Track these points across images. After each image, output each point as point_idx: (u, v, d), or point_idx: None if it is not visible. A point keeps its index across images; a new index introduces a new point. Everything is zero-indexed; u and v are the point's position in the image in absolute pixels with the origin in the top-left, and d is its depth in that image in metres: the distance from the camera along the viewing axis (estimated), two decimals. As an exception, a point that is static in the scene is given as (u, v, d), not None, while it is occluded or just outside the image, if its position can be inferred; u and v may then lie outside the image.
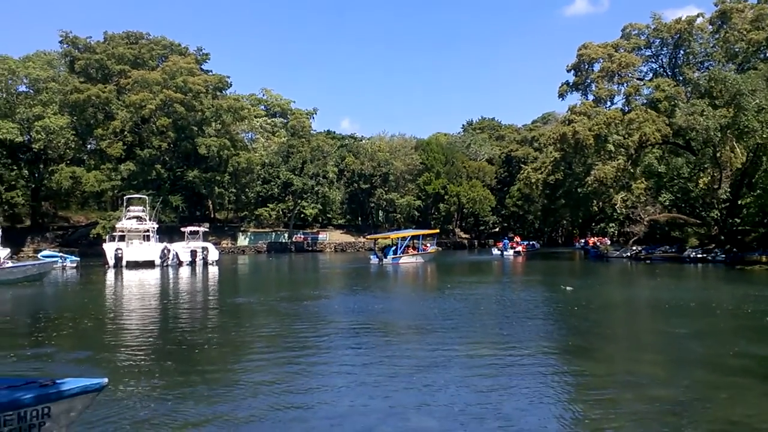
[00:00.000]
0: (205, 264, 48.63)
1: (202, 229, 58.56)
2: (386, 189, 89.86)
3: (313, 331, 15.77)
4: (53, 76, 72.92)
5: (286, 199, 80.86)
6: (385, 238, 54.32)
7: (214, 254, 50.82)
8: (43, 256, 41.59)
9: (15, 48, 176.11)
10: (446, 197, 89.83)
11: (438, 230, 70.92)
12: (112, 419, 8.00)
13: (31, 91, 72.86)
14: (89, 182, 66.96)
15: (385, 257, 48.64)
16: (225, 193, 75.88)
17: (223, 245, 73.87)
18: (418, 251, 51.73)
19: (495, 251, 64.46)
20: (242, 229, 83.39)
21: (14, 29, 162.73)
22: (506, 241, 65.81)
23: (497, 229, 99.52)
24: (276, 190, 79.99)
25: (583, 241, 62.52)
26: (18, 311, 22.29)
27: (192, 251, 49.60)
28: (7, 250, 48.67)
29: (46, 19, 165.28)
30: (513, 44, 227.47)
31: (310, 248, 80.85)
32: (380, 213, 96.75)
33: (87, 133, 70.80)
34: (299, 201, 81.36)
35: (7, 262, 33.16)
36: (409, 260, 48.87)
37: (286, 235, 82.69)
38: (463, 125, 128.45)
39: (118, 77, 72.22)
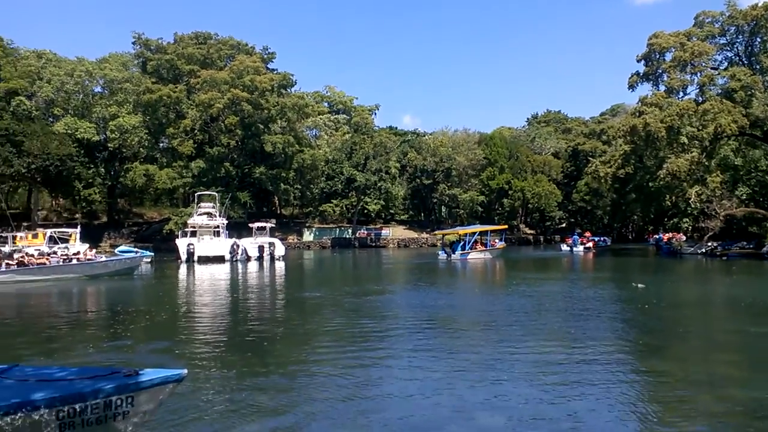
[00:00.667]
0: (272, 259, 49.71)
1: (269, 225, 59.86)
2: (449, 184, 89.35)
3: (382, 326, 15.94)
4: (128, 77, 76.10)
5: (350, 195, 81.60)
6: (453, 234, 54.07)
7: (280, 249, 51.88)
8: (120, 252, 43.59)
9: (91, 50, 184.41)
10: (510, 192, 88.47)
11: (506, 226, 70.05)
12: (189, 409, 8.33)
13: (107, 92, 76.33)
14: (162, 179, 69.54)
15: (453, 253, 48.53)
16: (290, 190, 77.29)
17: (289, 241, 75.30)
18: (486, 247, 51.44)
19: (564, 247, 63.49)
20: (307, 224, 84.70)
21: (91, 32, 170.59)
22: (576, 236, 64.75)
23: (563, 225, 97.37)
24: (339, 186, 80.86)
25: (657, 236, 60.17)
26: (108, 303, 23.41)
27: (259, 246, 50.80)
28: (86, 246, 51.30)
29: (120, 21, 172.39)
30: (580, 35, 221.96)
31: (373, 244, 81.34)
32: (443, 209, 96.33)
33: (159, 132, 73.49)
34: (362, 197, 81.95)
35: (102, 257, 35.21)
36: (477, 256, 48.77)
37: (350, 230, 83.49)
38: (527, 119, 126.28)
39: (188, 77, 74.61)
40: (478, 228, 55.69)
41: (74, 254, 35.29)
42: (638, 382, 10.20)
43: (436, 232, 67.98)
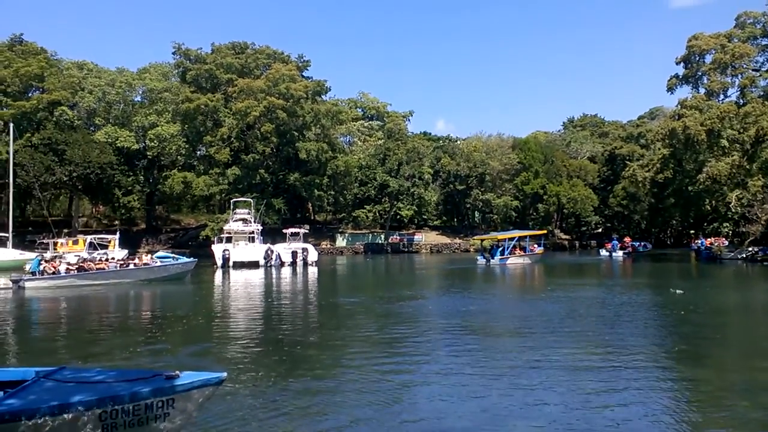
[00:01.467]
0: (305, 264, 50.06)
1: (302, 231, 60.32)
2: (482, 189, 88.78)
3: (420, 331, 15.96)
4: (167, 86, 77.72)
5: (383, 200, 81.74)
6: (492, 239, 53.92)
7: (313, 255, 52.24)
8: (158, 257, 44.38)
9: (130, 60, 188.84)
10: (545, 197, 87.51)
11: (545, 231, 69.42)
12: (230, 411, 8.48)
13: (146, 101, 78.06)
14: (199, 187, 70.72)
15: (492, 258, 48.52)
16: (324, 196, 77.80)
17: (322, 246, 75.76)
18: (525, 252, 51.44)
19: (603, 252, 62.72)
20: (340, 230, 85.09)
21: (129, 43, 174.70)
22: (615, 241, 63.62)
23: (600, 230, 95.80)
24: (372, 191, 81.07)
25: (700, 241, 58.74)
26: (159, 307, 23.94)
27: (293, 252, 51.21)
28: (125, 252, 52.46)
29: (158, 32, 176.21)
30: (617, 38, 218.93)
31: (406, 249, 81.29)
32: (476, 214, 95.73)
33: (197, 140, 74.78)
34: (395, 202, 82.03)
35: (157, 261, 36.24)
36: (516, 261, 48.80)
37: (383, 236, 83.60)
38: (563, 122, 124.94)
39: (226, 86, 75.78)
40: (517, 233, 55.42)
41: (131, 259, 36.72)
42: (676, 389, 10.05)
43: (475, 237, 67.93)
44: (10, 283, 29.43)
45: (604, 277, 37.71)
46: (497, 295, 27.39)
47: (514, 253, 49.99)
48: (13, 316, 21.47)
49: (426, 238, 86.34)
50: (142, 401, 5.98)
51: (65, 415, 5.65)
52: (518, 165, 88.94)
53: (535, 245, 54.68)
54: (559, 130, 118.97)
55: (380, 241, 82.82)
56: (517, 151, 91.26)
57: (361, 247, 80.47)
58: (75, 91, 71.28)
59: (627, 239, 69.82)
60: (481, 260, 49.08)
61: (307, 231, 64.99)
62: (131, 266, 34.07)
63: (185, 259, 38.90)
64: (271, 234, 60.21)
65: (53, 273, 30.60)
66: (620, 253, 60.54)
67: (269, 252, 49.07)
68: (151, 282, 32.50)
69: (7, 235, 51.16)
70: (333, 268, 50.51)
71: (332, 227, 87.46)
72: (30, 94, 71.43)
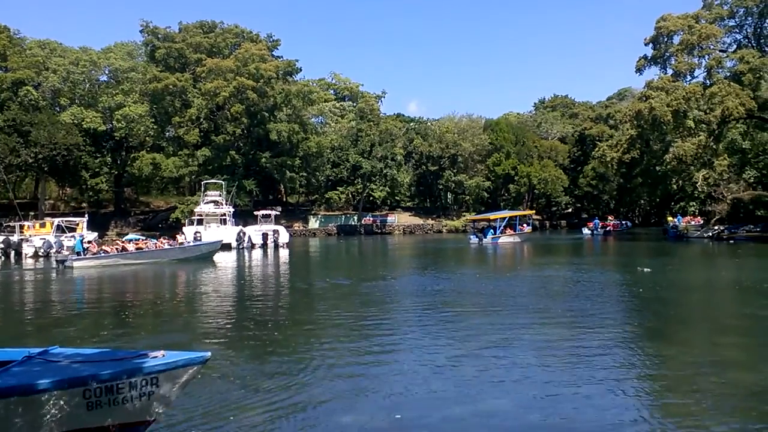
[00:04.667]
0: (276, 246, 49.91)
1: (273, 213, 60.03)
2: (455, 171, 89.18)
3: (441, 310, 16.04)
4: (133, 66, 76.09)
5: (355, 182, 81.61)
6: (484, 219, 56.92)
7: (284, 237, 52.08)
8: (128, 239, 43.83)
9: (96, 39, 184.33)
10: (516, 178, 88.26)
11: (533, 211, 72.77)
12: (206, 391, 8.44)
13: (113, 81, 76.35)
14: (168, 168, 69.70)
15: (485, 237, 50.64)
16: (296, 177, 77.30)
17: (295, 228, 75.51)
18: (515, 231, 53.82)
19: (585, 231, 66.92)
20: (313, 212, 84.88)
21: (94, 20, 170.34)
22: (597, 220, 69.25)
23: (570, 210, 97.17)
24: (345, 173, 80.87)
25: (676, 219, 60.42)
26: (169, 287, 23.71)
27: (263, 234, 51.00)
28: (95, 234, 51.56)
29: (123, 10, 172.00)
30: (587, 18, 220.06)
31: (379, 231, 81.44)
32: (449, 195, 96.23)
33: (165, 121, 73.54)
34: (368, 184, 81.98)
35: (191, 242, 39.80)
36: (507, 240, 51.14)
37: (356, 217, 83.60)
38: (534, 104, 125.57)
39: (195, 66, 74.52)
40: (508, 213, 58.48)
41: (168, 240, 40.13)
42: (644, 365, 10.26)
43: (467, 217, 71.52)
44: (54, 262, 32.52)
45: (585, 255, 39.49)
46: (494, 272, 27.33)
47: (505, 233, 52.25)
48: (58, 294, 22.98)
49: (399, 219, 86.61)
50: (126, 380, 6.04)
51: (48, 394, 5.72)
52: (490, 146, 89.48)
53: (524, 225, 57.53)
54: (530, 111, 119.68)
55: (353, 223, 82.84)
56: (489, 132, 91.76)
57: (334, 228, 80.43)
58: (39, 71, 69.35)
59: (611, 218, 73.42)
60: (474, 240, 51.44)
61: (279, 213, 64.72)
62: (166, 246, 37.11)
63: (212, 240, 41.63)
64: (243, 216, 59.78)
65: (95, 253, 33.24)
66: (601, 231, 65.49)
67: (242, 234, 48.75)
68: (185, 261, 35.01)
69: (-30, 218, 49.95)
70: (305, 250, 50.39)
71: (305, 209, 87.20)
72: (-8, 74, 69.37)
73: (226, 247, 46.90)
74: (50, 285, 25.87)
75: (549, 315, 15.16)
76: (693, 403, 8.11)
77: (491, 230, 51.92)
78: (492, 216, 56.29)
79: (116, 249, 34.66)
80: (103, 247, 35.64)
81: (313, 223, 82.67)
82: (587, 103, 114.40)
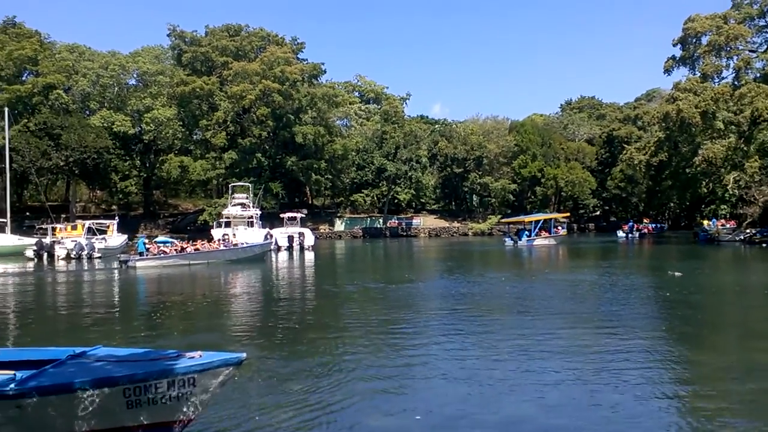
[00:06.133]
0: (302, 249, 50.18)
1: (299, 215, 60.37)
2: (480, 173, 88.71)
3: (476, 314, 16.07)
4: (161, 69, 77.26)
5: (380, 184, 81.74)
6: (518, 222, 57.23)
7: (310, 239, 52.30)
8: (158, 242, 44.51)
9: (124, 43, 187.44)
10: (543, 180, 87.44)
11: (568, 214, 72.28)
12: (239, 392, 8.54)
13: (141, 85, 77.61)
14: (196, 171, 70.62)
15: (520, 239, 50.84)
16: (321, 180, 77.77)
17: (321, 230, 75.87)
18: (549, 233, 53.83)
19: (620, 233, 66.14)
20: (338, 214, 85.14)
21: (122, 25, 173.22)
22: (631, 223, 68.25)
23: (598, 213, 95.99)
24: (370, 175, 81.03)
25: (711, 222, 59.35)
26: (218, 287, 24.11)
27: (289, 236, 51.27)
28: (124, 237, 52.41)
29: (151, 14, 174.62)
30: (615, 18, 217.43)
31: (405, 233, 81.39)
32: (474, 197, 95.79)
33: (193, 124, 74.53)
34: (393, 186, 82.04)
35: (244, 243, 40.55)
36: (542, 242, 51.24)
37: (381, 220, 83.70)
38: (561, 105, 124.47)
39: (221, 69, 75.38)
40: (543, 216, 58.71)
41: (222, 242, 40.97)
42: (676, 370, 10.09)
43: (503, 220, 71.15)
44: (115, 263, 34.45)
45: (620, 258, 39.13)
46: (530, 275, 27.05)
47: (540, 235, 52.45)
48: (120, 293, 24.24)
49: (424, 221, 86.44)
50: (164, 380, 6.18)
51: (88, 392, 5.90)
52: (515, 148, 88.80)
53: (559, 227, 57.73)
54: (556, 113, 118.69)
55: (378, 225, 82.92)
56: (514, 133, 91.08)
57: (360, 231, 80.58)
58: (69, 75, 70.81)
59: (646, 221, 74.31)
60: (508, 242, 51.77)
61: (304, 215, 65.05)
62: (222, 247, 38.09)
63: (264, 241, 42.95)
64: (270, 219, 60.23)
65: (156, 254, 34.75)
66: (636, 234, 64.64)
67: (268, 236, 49.10)
68: (238, 261, 35.80)
69: (5, 220, 51.13)
70: (331, 253, 50.59)
71: (330, 211, 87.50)
72: (24, 78, 71.05)
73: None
74: (113, 284, 27.17)
75: (582, 318, 15.03)
76: (726, 410, 7.95)
77: (526, 233, 52.07)
78: (526, 219, 56.57)
79: (175, 250, 36.13)
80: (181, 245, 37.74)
81: (339, 226, 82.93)
82: (615, 104, 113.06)
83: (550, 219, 57.02)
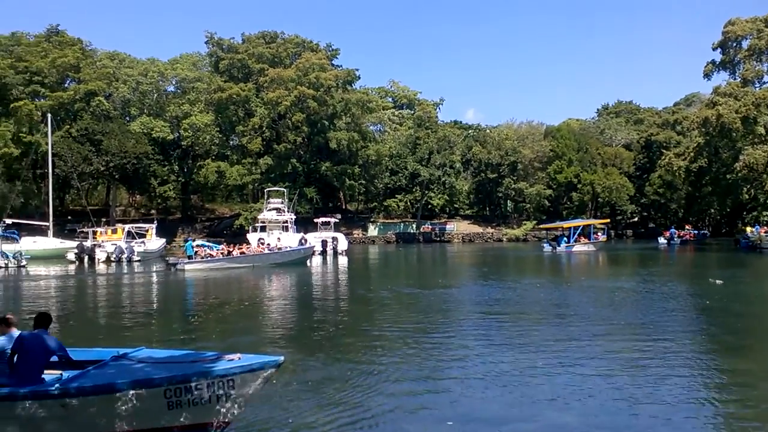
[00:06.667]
0: (335, 253, 50.50)
1: (333, 220, 60.79)
2: (514, 178, 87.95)
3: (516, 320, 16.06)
4: (198, 76, 78.73)
5: (414, 189, 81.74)
6: (557, 227, 57.22)
7: (343, 244, 52.63)
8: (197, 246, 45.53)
9: (162, 50, 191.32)
10: (579, 186, 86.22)
11: (608, 220, 71.30)
12: (276, 395, 8.68)
13: (179, 91, 79.18)
14: (232, 176, 71.67)
15: (558, 245, 50.60)
16: (355, 185, 78.13)
17: (354, 235, 76.19)
18: (589, 240, 53.51)
19: (661, 240, 64.73)
20: (372, 219, 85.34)
21: (161, 33, 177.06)
22: (673, 229, 66.93)
23: (636, 219, 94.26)
24: (404, 181, 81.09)
25: (754, 229, 57.94)
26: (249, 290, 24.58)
27: (323, 241, 51.67)
28: (163, 240, 53.49)
29: (189, 22, 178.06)
30: (652, 21, 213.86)
31: (438, 239, 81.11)
32: (508, 203, 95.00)
33: (229, 130, 75.72)
34: (426, 191, 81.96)
35: (288, 247, 41.59)
36: (581, 248, 50.85)
37: (414, 225, 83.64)
38: (597, 109, 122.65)
39: (257, 75, 76.44)
40: (582, 222, 58.23)
41: (266, 245, 42.28)
42: (718, 381, 9.89)
43: (541, 226, 70.92)
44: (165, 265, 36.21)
45: (661, 265, 38.39)
46: (569, 281, 26.81)
47: (579, 241, 52.05)
48: (168, 295, 25.34)
49: (458, 227, 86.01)
50: (204, 381, 6.33)
51: (130, 392, 6.11)
52: (551, 153, 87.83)
53: (599, 233, 56.82)
54: (592, 118, 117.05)
55: (412, 231, 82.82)
56: (550, 138, 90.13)
57: (393, 236, 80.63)
58: (110, 82, 72.65)
59: (688, 227, 72.37)
60: (547, 248, 51.24)
61: (338, 220, 65.41)
62: (266, 251, 39.09)
63: (306, 245, 43.94)
64: (304, 223, 60.69)
65: (204, 257, 36.12)
66: (678, 241, 63.36)
67: (303, 241, 49.56)
68: (282, 264, 36.72)
69: (47, 224, 52.64)
70: (364, 257, 50.75)
71: (364, 216, 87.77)
72: (66, 85, 73.11)
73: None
74: (164, 286, 28.30)
75: (619, 325, 14.83)
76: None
77: (565, 238, 51.79)
78: (565, 224, 56.24)
79: (221, 253, 37.44)
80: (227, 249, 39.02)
81: (372, 231, 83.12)
82: (653, 109, 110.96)
83: (589, 225, 56.48)
